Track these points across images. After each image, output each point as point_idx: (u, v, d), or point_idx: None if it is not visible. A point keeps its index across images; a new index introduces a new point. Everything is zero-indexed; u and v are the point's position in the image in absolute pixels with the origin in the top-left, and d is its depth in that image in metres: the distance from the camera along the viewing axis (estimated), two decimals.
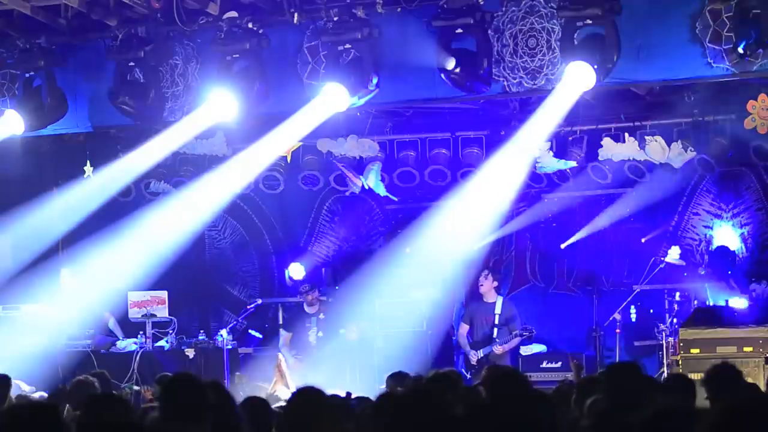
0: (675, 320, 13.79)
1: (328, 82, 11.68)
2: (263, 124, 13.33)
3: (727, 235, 14.82)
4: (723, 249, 14.65)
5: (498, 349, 13.82)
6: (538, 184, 15.01)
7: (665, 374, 13.11)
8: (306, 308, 14.46)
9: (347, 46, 11.60)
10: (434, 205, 15.20)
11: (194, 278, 16.68)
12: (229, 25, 11.90)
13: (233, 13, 11.97)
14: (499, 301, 14.12)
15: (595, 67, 10.84)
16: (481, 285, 14.20)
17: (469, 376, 13.53)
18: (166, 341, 13.89)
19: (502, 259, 15.88)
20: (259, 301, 15.53)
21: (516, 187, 14.78)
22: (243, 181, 15.09)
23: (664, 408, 4.34)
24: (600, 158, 14.28)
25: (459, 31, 11.25)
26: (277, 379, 12.82)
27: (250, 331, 15.53)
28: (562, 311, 15.51)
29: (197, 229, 15.73)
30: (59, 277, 14.80)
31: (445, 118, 15.11)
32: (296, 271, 15.86)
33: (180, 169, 15.39)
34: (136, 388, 12.75)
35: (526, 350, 14.60)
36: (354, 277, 15.46)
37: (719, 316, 13.17)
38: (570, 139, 14.37)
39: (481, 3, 11.29)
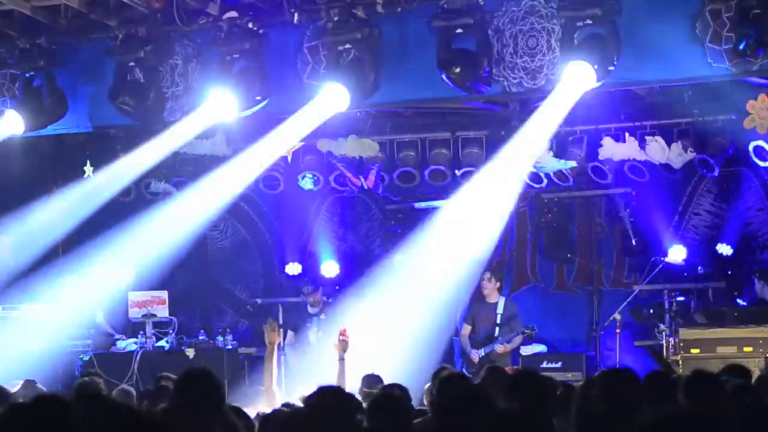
0: (675, 320, 13.79)
1: (328, 82, 11.68)
2: (263, 124, 13.34)
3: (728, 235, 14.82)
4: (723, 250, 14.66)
5: (500, 348, 13.85)
6: (538, 184, 15.01)
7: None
8: (309, 308, 14.49)
9: (347, 46, 11.59)
10: (434, 205, 15.20)
11: (196, 278, 16.69)
12: (229, 25, 11.90)
13: (233, 13, 11.97)
14: (502, 301, 14.16)
15: (595, 67, 10.84)
16: (485, 288, 14.24)
17: (470, 375, 13.52)
18: (166, 341, 13.89)
19: (503, 259, 15.89)
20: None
21: (516, 187, 14.77)
22: (243, 181, 15.08)
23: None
24: (600, 158, 14.27)
25: (459, 31, 11.24)
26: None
27: None
28: (562, 311, 15.52)
29: (198, 229, 15.72)
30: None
31: (445, 118, 15.11)
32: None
33: (180, 169, 15.39)
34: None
35: (526, 350, 14.61)
36: (354, 277, 15.46)
37: (719, 316, 13.17)
38: (570, 139, 14.36)
39: (481, 3, 11.28)
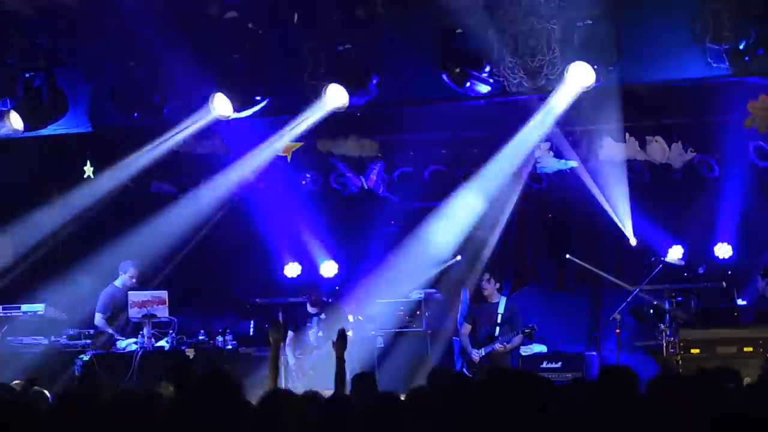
0: (675, 320, 13.78)
1: (329, 83, 11.69)
2: (263, 124, 13.35)
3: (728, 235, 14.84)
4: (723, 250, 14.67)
5: (500, 348, 13.84)
6: (538, 184, 15.02)
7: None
8: (309, 308, 14.50)
9: (347, 46, 11.61)
10: (434, 205, 15.21)
11: (196, 278, 16.68)
12: (229, 25, 11.91)
13: (233, 13, 11.98)
14: (503, 301, 14.14)
15: (595, 67, 10.85)
16: (485, 289, 14.23)
17: (470, 375, 13.53)
18: (166, 341, 13.86)
19: (504, 259, 15.89)
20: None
21: (516, 187, 14.78)
22: (243, 180, 15.10)
23: None
24: (600, 158, 14.28)
25: (459, 31, 11.25)
26: None
27: None
28: (562, 311, 15.52)
29: (198, 228, 15.73)
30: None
31: (445, 118, 15.11)
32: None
33: (180, 169, 15.40)
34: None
35: (526, 350, 14.61)
36: (353, 277, 15.46)
37: (719, 316, 13.17)
38: (570, 139, 14.37)
39: (482, 3, 11.30)
